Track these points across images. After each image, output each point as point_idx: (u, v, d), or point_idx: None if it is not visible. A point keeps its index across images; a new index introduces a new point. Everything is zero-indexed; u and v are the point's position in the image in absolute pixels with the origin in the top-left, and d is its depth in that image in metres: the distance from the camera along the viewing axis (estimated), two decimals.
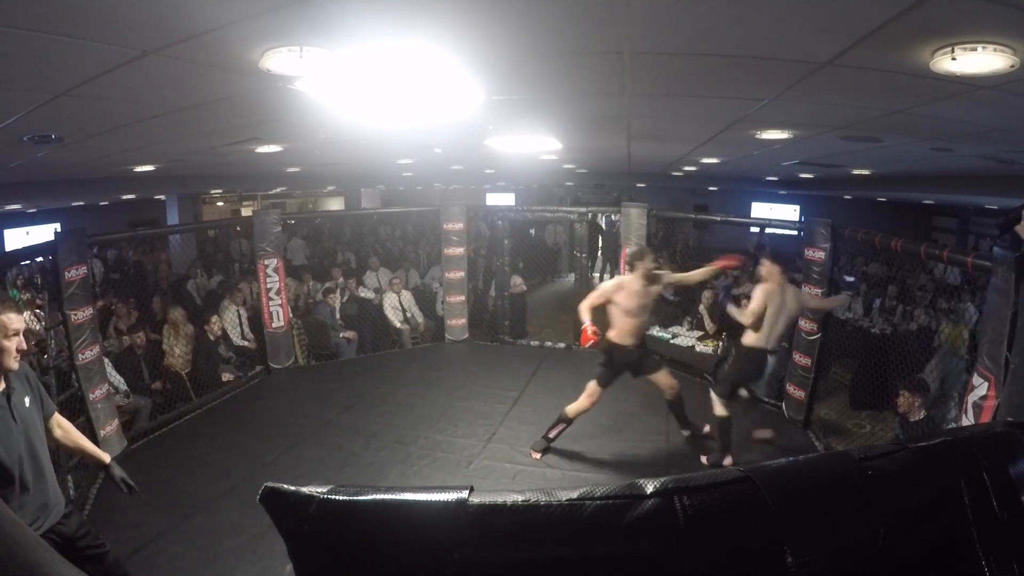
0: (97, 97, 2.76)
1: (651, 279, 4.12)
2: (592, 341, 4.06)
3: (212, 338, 5.80)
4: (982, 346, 2.98)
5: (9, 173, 5.27)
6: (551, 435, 4.31)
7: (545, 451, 4.32)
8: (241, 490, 3.79)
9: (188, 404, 5.26)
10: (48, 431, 2.27)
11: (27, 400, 2.13)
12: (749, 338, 4.20)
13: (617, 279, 4.37)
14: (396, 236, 12.01)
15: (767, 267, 4.17)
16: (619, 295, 4.08)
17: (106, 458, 2.46)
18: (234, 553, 3.18)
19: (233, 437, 4.70)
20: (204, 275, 8.31)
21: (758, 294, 4.12)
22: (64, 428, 2.42)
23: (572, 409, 4.24)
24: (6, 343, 1.99)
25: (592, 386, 4.21)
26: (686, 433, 4.56)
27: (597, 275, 11.10)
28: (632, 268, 4.16)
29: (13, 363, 2.02)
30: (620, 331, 4.14)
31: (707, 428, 4.57)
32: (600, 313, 4.20)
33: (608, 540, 0.72)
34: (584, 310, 4.15)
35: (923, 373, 4.96)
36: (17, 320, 2.01)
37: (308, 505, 0.73)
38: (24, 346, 2.05)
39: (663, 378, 4.32)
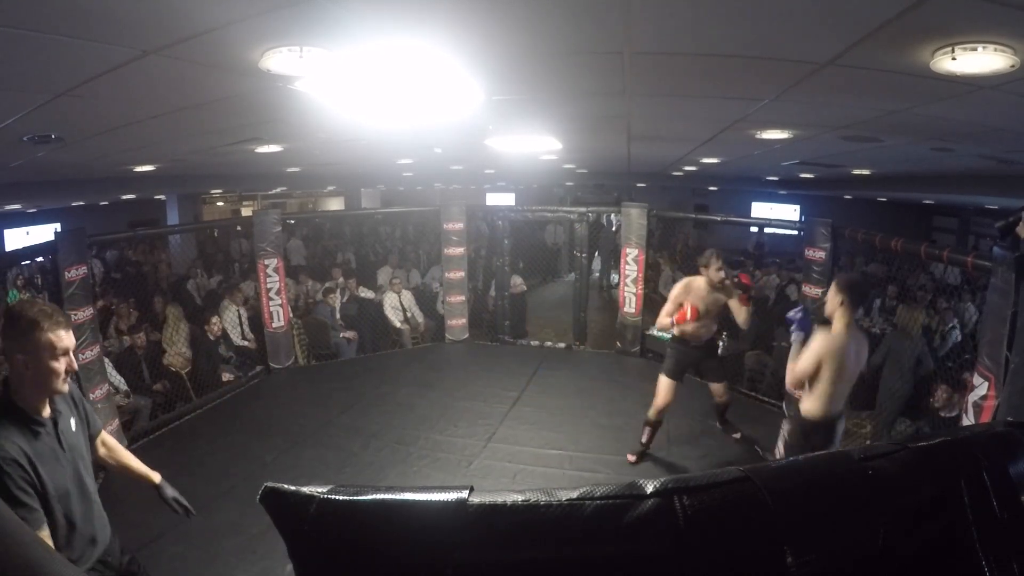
0: (97, 97, 2.76)
1: (717, 286, 4.02)
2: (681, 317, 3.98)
3: (212, 338, 5.80)
4: (982, 346, 2.98)
5: (9, 173, 5.27)
6: (643, 440, 4.28)
7: (642, 456, 4.31)
8: (241, 490, 3.79)
9: (188, 404, 5.26)
10: (92, 451, 2.03)
11: (73, 423, 1.89)
12: (805, 404, 3.04)
13: (685, 280, 4.22)
14: (396, 236, 12.02)
15: (834, 298, 2.86)
16: (689, 297, 4.03)
17: (156, 477, 2.19)
18: (234, 553, 3.18)
19: (233, 437, 4.70)
20: (204, 275, 8.31)
21: (814, 346, 2.88)
22: (109, 447, 2.17)
23: (652, 410, 4.20)
24: (54, 364, 1.70)
25: (662, 379, 4.20)
26: (736, 435, 4.54)
27: (597, 274, 11.10)
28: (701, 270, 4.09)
29: (63, 386, 1.75)
30: (685, 328, 4.11)
31: (737, 434, 4.54)
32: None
33: (608, 540, 0.72)
34: (664, 317, 4.12)
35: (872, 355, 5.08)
36: (67, 338, 1.74)
37: (308, 505, 0.73)
38: (75, 366, 1.79)
39: (717, 387, 4.31)
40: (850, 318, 2.85)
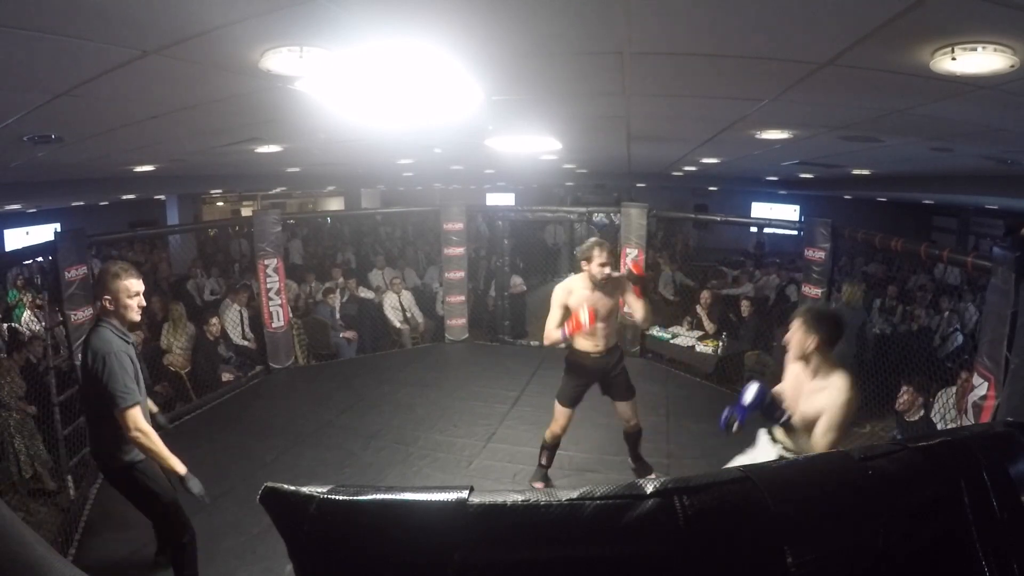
0: (97, 97, 2.76)
1: (602, 283, 3.43)
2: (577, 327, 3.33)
3: (211, 338, 5.80)
4: (982, 346, 2.98)
5: (9, 173, 5.27)
6: (542, 462, 3.88)
7: (545, 480, 3.89)
8: (241, 490, 3.78)
9: (188, 404, 5.26)
10: None
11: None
12: None
13: (564, 282, 3.62)
14: (396, 236, 12.02)
15: (804, 337, 2.34)
16: (571, 299, 3.46)
17: (181, 469, 2.64)
18: (234, 553, 3.18)
19: (233, 437, 4.70)
20: (204, 275, 8.32)
21: (838, 416, 2.22)
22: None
23: (548, 434, 3.79)
24: (130, 301, 2.50)
25: (557, 406, 3.73)
26: (651, 476, 3.92)
27: None
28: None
29: (136, 316, 2.55)
30: (580, 340, 3.56)
31: (652, 476, 3.95)
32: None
33: (608, 540, 0.72)
34: (553, 330, 3.46)
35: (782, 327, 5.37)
36: (138, 284, 2.53)
37: (308, 505, 0.73)
38: (144, 303, 2.57)
39: (623, 408, 3.75)
40: (834, 360, 2.34)
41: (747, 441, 4.68)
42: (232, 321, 6.25)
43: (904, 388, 3.92)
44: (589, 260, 3.40)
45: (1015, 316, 2.70)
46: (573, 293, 3.48)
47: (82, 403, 3.08)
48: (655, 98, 3.49)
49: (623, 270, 3.48)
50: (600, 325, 3.47)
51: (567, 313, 3.44)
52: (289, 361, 6.36)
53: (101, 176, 6.79)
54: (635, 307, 3.57)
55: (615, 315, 3.62)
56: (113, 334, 2.46)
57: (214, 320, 5.84)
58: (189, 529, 2.75)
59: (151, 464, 2.60)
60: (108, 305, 2.47)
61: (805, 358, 2.37)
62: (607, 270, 3.40)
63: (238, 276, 8.50)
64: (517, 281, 7.62)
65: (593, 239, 3.57)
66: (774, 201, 14.45)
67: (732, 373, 5.96)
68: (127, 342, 2.52)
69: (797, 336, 2.36)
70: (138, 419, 2.44)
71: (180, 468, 2.55)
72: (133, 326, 2.66)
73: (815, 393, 2.30)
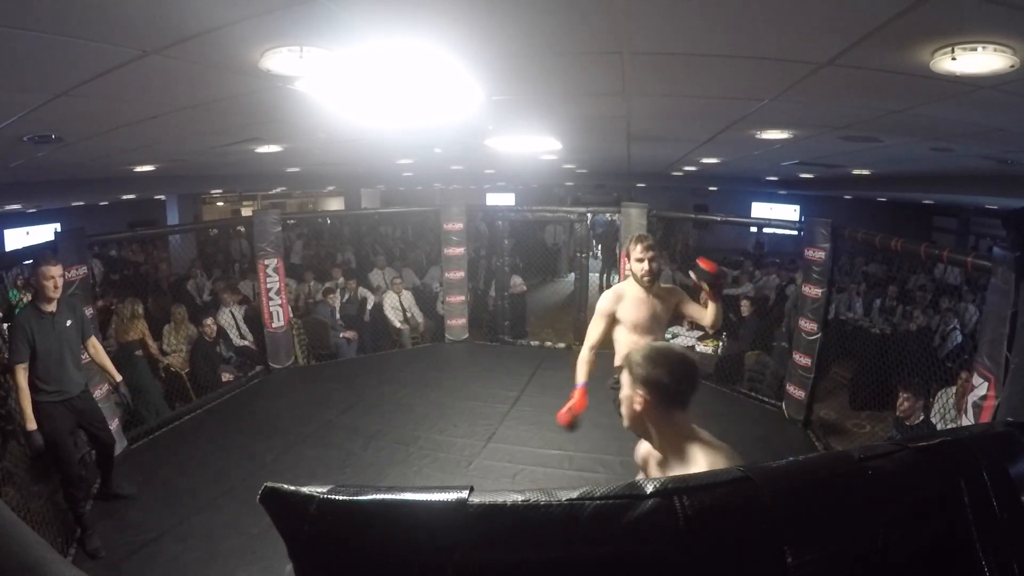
0: (97, 97, 2.76)
1: (649, 284, 3.01)
2: (569, 419, 2.90)
3: (208, 339, 5.80)
4: (982, 346, 2.98)
5: (9, 173, 5.27)
6: None
7: None
8: (241, 490, 3.78)
9: (188, 404, 5.26)
10: (84, 348, 3.57)
11: (68, 322, 3.36)
12: None
13: (617, 286, 3.20)
14: (396, 236, 12.02)
15: (634, 395, 1.57)
16: (620, 307, 3.05)
17: (117, 377, 3.69)
18: (234, 553, 3.18)
19: (233, 437, 4.70)
20: (204, 275, 8.32)
21: None
22: (96, 349, 3.69)
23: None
24: (45, 283, 3.20)
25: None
26: None
27: (596, 275, 11.10)
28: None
29: (53, 294, 3.24)
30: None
31: None
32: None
33: (608, 540, 0.72)
34: (582, 363, 3.01)
35: (781, 327, 5.98)
36: (55, 269, 3.25)
37: (308, 505, 0.73)
38: (59, 284, 3.27)
39: None
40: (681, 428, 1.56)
41: (748, 440, 4.69)
42: (227, 323, 6.26)
43: (903, 396, 3.92)
44: (629, 257, 3.04)
45: (1015, 316, 2.70)
46: (624, 300, 3.01)
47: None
48: (655, 98, 3.49)
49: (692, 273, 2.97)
50: (645, 340, 2.89)
51: (613, 323, 3.01)
52: (289, 361, 6.36)
53: (101, 176, 6.79)
54: (704, 313, 3.01)
55: (663, 327, 3.10)
56: (29, 312, 3.26)
57: (208, 321, 5.85)
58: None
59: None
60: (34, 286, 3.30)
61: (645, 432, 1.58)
62: (646, 266, 2.93)
63: (238, 276, 8.51)
64: (517, 281, 7.62)
65: (637, 234, 3.17)
66: (774, 201, 14.45)
67: (732, 373, 5.96)
68: (40, 317, 3.24)
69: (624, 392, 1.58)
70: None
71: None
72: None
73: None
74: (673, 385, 1.51)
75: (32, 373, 3.16)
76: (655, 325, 3.05)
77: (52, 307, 3.26)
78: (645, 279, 2.98)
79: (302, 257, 10.11)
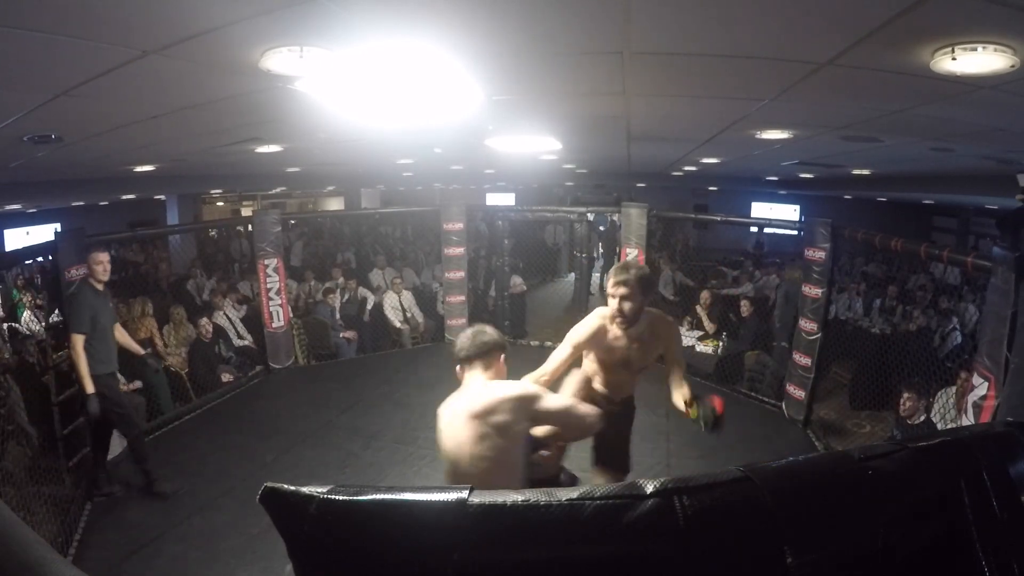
0: (97, 97, 2.76)
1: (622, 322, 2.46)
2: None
3: (205, 339, 5.80)
4: (982, 346, 2.98)
5: (9, 173, 5.27)
6: None
7: None
8: (241, 490, 3.79)
9: (188, 404, 5.26)
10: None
11: (110, 305, 3.93)
12: None
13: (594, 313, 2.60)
14: (396, 236, 12.02)
15: None
16: (594, 340, 2.55)
17: (140, 351, 4.12)
18: (234, 553, 3.18)
19: (233, 437, 4.70)
20: (204, 275, 8.32)
21: None
22: (121, 332, 4.07)
23: None
24: (96, 267, 3.73)
25: None
26: None
27: (598, 275, 11.12)
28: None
29: (103, 276, 3.77)
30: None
31: None
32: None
33: (608, 540, 0.72)
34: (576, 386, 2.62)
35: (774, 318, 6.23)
36: (103, 256, 3.79)
37: (308, 505, 0.73)
38: (108, 268, 3.81)
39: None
40: None
41: (748, 440, 4.69)
42: (223, 324, 6.27)
43: (906, 395, 3.93)
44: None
45: (1015, 316, 2.70)
46: (600, 333, 2.51)
47: None
48: (655, 98, 3.49)
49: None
50: (613, 378, 2.65)
51: (576, 359, 2.56)
52: (289, 361, 6.36)
53: (101, 176, 6.79)
54: (676, 388, 2.53)
55: (640, 370, 2.65)
56: (87, 289, 3.70)
57: (204, 321, 5.85)
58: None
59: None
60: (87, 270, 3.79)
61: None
62: (615, 305, 2.39)
63: (238, 276, 8.51)
64: (517, 281, 7.62)
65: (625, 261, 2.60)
66: (774, 201, 14.45)
67: (732, 373, 5.96)
68: (96, 294, 3.72)
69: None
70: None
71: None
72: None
73: None
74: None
75: (87, 347, 3.55)
76: (624, 371, 2.60)
77: (103, 288, 3.78)
78: (616, 320, 2.43)
79: (302, 259, 10.09)
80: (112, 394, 3.71)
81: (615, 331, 2.48)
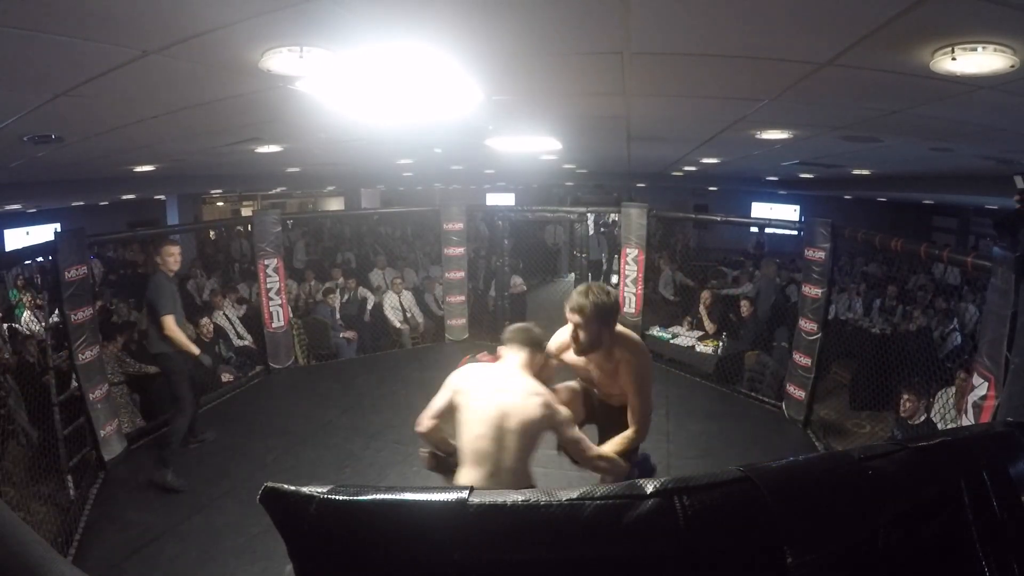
0: (97, 97, 2.76)
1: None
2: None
3: (205, 339, 5.80)
4: (982, 346, 2.98)
5: (9, 173, 5.27)
6: None
7: None
8: (241, 490, 3.78)
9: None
10: None
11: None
12: None
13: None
14: (396, 236, 12.03)
15: None
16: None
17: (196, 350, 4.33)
18: (234, 553, 3.18)
19: (233, 437, 4.70)
20: (204, 275, 8.32)
21: None
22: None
23: None
24: (168, 258, 4.15)
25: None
26: None
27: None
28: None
29: (175, 267, 4.22)
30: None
31: None
32: None
33: (608, 540, 0.72)
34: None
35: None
36: (175, 248, 4.23)
37: (308, 505, 0.73)
38: (179, 259, 4.29)
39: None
40: None
41: (748, 440, 4.69)
42: (223, 324, 6.27)
43: (906, 396, 3.93)
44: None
45: (1015, 316, 2.70)
46: (563, 345, 2.44)
47: None
48: (655, 98, 3.49)
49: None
50: (595, 387, 2.55)
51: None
52: (289, 361, 6.36)
53: (101, 176, 6.80)
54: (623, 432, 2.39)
55: (611, 395, 2.51)
56: (166, 280, 4.14)
57: (204, 321, 5.85)
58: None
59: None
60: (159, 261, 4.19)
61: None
62: (572, 331, 2.27)
63: (238, 276, 8.51)
64: (517, 281, 7.62)
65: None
66: (774, 201, 14.45)
67: (732, 373, 5.96)
68: (172, 283, 4.24)
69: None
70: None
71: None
72: None
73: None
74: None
75: (161, 330, 3.99)
76: (598, 389, 2.54)
77: (173, 276, 4.25)
78: (571, 345, 2.30)
79: (304, 262, 10.02)
80: (179, 369, 4.13)
81: (570, 351, 2.38)
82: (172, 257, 4.19)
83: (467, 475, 2.06)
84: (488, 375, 2.17)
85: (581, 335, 2.24)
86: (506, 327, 2.29)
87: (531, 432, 2.01)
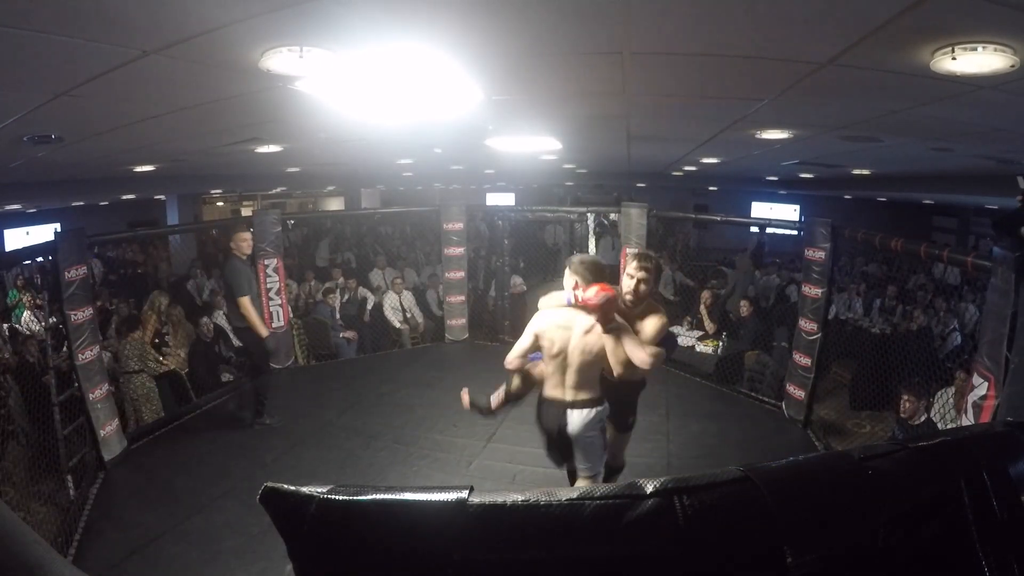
0: (97, 97, 2.76)
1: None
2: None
3: (206, 339, 5.80)
4: (982, 346, 2.98)
5: (9, 173, 5.27)
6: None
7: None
8: (241, 490, 3.78)
9: (188, 404, 5.26)
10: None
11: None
12: None
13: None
14: (396, 236, 12.03)
15: None
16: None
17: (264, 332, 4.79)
18: (234, 553, 3.18)
19: (233, 437, 4.70)
20: (204, 275, 8.32)
21: None
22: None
23: None
24: (242, 243, 4.58)
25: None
26: None
27: None
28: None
29: (248, 251, 4.65)
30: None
31: None
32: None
33: (608, 540, 0.72)
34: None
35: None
36: (247, 235, 4.65)
37: (308, 505, 0.73)
38: (252, 244, 4.70)
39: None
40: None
41: (748, 440, 4.69)
42: (224, 324, 6.27)
43: (905, 397, 3.93)
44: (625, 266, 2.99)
45: (1015, 316, 2.69)
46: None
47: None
48: (655, 98, 3.49)
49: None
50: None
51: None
52: (289, 361, 6.36)
53: (101, 176, 6.80)
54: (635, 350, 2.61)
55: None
56: (240, 260, 4.59)
57: (204, 321, 5.84)
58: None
59: None
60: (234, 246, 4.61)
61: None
62: (632, 285, 2.74)
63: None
64: (517, 281, 7.61)
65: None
66: (774, 201, 14.45)
67: (732, 373, 5.96)
68: (246, 263, 4.68)
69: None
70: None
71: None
72: None
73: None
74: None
75: (236, 309, 4.48)
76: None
77: (246, 259, 4.64)
78: (628, 297, 2.73)
79: (329, 261, 10.04)
80: (257, 340, 4.67)
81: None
82: (245, 242, 4.61)
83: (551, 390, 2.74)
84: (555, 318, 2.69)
85: (643, 288, 2.74)
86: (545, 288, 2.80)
87: (595, 353, 2.59)
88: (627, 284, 2.74)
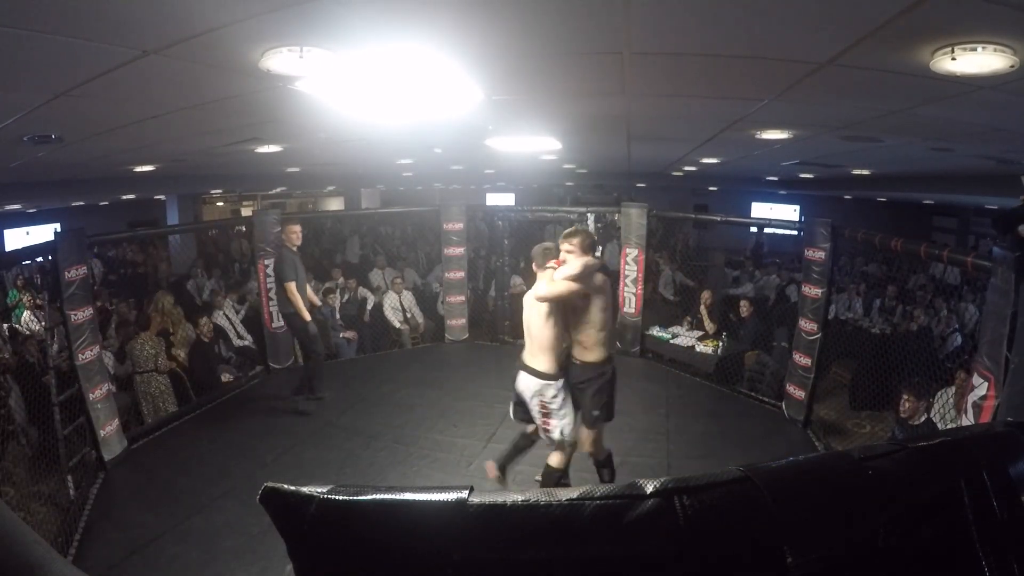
0: (97, 97, 2.76)
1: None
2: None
3: (206, 339, 5.80)
4: (982, 346, 2.98)
5: (9, 173, 5.27)
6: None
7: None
8: (241, 490, 3.78)
9: (188, 404, 5.26)
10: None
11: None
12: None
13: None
14: (396, 236, 12.03)
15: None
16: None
17: (318, 302, 5.51)
18: (234, 553, 3.18)
19: (233, 437, 4.70)
20: (204, 275, 8.32)
21: None
22: (310, 290, 5.51)
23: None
24: (292, 235, 5.02)
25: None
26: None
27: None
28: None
29: (298, 241, 5.06)
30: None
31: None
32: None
33: (608, 540, 0.72)
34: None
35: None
36: (297, 227, 5.09)
37: (308, 505, 0.73)
38: (300, 236, 5.08)
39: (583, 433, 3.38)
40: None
41: (748, 440, 4.69)
42: (223, 324, 6.27)
43: (905, 397, 3.93)
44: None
45: (1015, 316, 2.69)
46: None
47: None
48: (655, 98, 3.49)
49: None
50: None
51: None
52: (289, 361, 6.35)
53: (101, 176, 6.80)
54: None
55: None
56: (291, 253, 4.99)
57: (204, 321, 5.85)
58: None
59: None
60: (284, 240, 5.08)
61: None
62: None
63: (238, 276, 8.51)
64: (517, 281, 7.61)
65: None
66: (774, 201, 14.45)
67: (732, 373, 5.96)
68: (296, 255, 5.07)
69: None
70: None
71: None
72: None
73: None
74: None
75: (284, 295, 4.89)
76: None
77: (296, 251, 4.98)
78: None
79: (359, 256, 10.13)
80: (303, 326, 5.02)
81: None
82: (295, 234, 5.04)
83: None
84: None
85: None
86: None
87: (539, 317, 3.13)
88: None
